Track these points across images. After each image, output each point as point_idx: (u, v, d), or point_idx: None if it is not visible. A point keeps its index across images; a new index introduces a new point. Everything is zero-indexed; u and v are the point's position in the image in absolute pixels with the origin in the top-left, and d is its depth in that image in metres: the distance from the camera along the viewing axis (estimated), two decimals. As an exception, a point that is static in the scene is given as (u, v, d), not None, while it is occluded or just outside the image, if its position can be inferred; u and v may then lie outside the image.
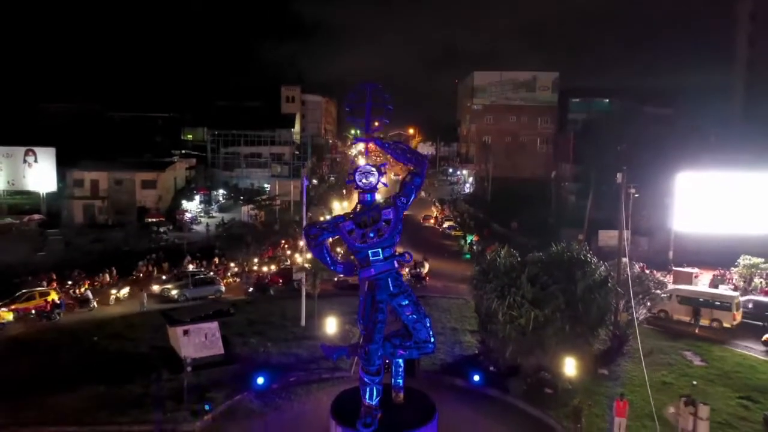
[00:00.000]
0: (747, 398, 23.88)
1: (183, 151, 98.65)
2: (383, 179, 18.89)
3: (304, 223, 34.79)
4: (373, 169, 18.82)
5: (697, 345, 30.43)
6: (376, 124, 21.22)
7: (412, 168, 19.22)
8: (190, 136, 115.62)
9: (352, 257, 19.67)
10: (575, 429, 20.91)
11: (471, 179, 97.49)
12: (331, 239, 19.06)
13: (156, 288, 40.44)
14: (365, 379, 17.99)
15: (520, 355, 24.91)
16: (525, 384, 24.31)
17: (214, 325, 27.09)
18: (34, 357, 27.75)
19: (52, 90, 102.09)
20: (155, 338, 29.30)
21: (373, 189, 18.50)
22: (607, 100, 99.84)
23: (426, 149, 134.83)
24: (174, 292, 39.23)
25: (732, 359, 28.22)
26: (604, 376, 26.21)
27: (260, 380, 23.98)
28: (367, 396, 18.03)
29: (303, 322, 32.04)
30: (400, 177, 22.63)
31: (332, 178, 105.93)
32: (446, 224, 70.96)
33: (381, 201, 18.89)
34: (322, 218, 67.49)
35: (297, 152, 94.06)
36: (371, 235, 17.93)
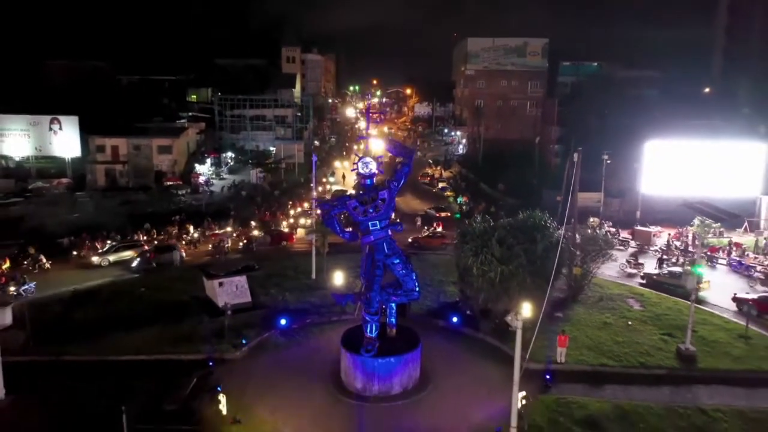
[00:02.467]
0: (668, 334, 30.17)
1: (190, 114, 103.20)
2: (380, 167, 24.66)
3: (313, 194, 40.60)
4: (372, 159, 24.63)
5: (640, 294, 36.68)
6: (376, 116, 27.22)
7: (402, 159, 24.96)
8: (195, 96, 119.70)
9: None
10: (523, 356, 27.26)
11: (464, 141, 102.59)
12: (339, 214, 25.05)
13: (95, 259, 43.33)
14: (367, 318, 24.30)
15: (490, 301, 31.06)
16: (493, 324, 30.56)
17: (243, 278, 33.24)
18: (96, 306, 33.94)
19: (55, 45, 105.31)
20: (192, 289, 35.34)
21: (372, 175, 24.39)
22: (596, 64, 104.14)
23: (423, 109, 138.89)
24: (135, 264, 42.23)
25: (665, 304, 34.42)
26: (559, 318, 32.43)
27: (283, 321, 30.21)
28: (368, 330, 24.42)
29: (314, 276, 38.18)
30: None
31: (333, 139, 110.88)
32: (440, 185, 76.64)
33: (378, 184, 24.72)
34: (325, 179, 73.39)
35: (299, 114, 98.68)
36: (371, 210, 23.94)
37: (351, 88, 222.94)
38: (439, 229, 51.76)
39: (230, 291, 32.44)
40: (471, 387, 24.67)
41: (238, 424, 21.71)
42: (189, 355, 27.26)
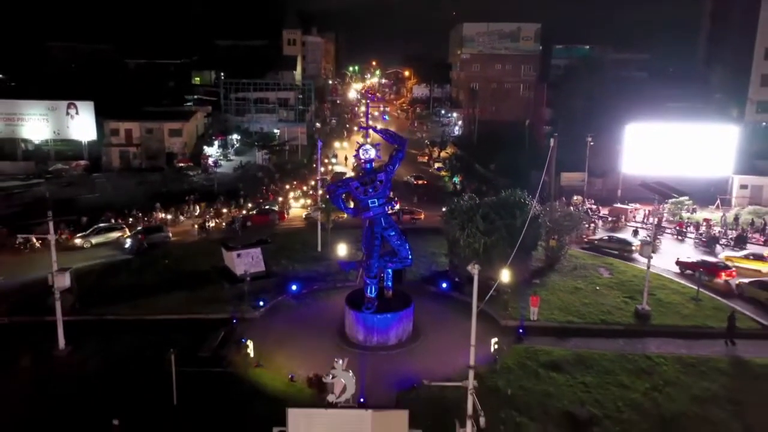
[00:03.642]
0: (630, 297, 34.65)
1: (196, 97, 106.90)
2: (378, 153, 28.92)
3: (318, 177, 45.10)
4: (371, 147, 28.89)
5: (610, 263, 41.12)
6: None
7: (396, 146, 29.19)
8: (198, 78, 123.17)
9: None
10: (504, 315, 31.81)
11: (460, 122, 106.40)
12: (344, 193, 29.39)
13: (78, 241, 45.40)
14: (367, 281, 28.75)
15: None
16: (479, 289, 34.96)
17: (257, 250, 37.64)
18: (127, 275, 38.42)
19: (60, 29, 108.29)
20: (211, 260, 39.73)
21: (371, 160, 28.66)
22: (588, 47, 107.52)
23: (421, 90, 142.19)
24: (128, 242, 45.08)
25: (631, 273, 38.85)
26: (536, 284, 36.88)
27: (294, 287, 34.58)
28: (368, 291, 28.86)
29: (319, 249, 42.57)
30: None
31: (333, 121, 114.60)
32: (436, 165, 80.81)
33: (376, 167, 28.97)
34: (326, 160, 77.43)
35: (300, 96, 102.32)
36: (370, 190, 28.25)
37: (350, 68, 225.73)
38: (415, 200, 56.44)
39: (247, 261, 36.82)
40: (455, 339, 29.02)
41: (261, 367, 26.25)
42: (215, 315, 31.75)
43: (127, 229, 47.43)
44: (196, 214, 53.86)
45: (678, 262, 39.57)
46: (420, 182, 63.41)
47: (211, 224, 50.48)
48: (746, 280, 36.02)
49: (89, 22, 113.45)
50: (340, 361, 17.91)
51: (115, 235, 46.60)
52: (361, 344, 28.51)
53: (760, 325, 31.52)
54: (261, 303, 32.94)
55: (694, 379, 25.83)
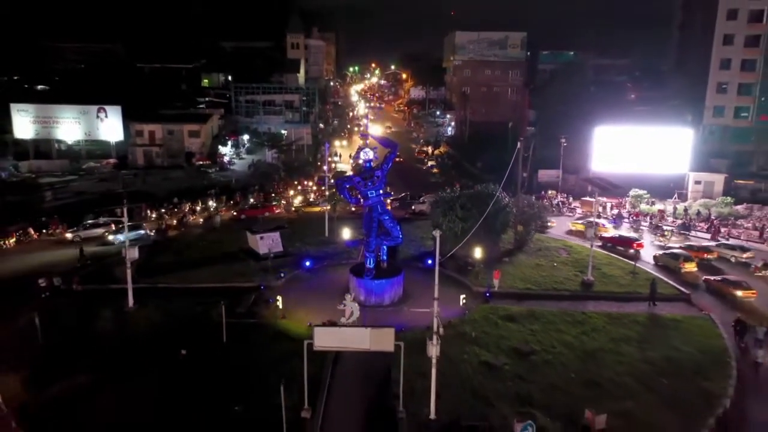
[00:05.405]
0: (580, 271, 42.68)
1: (207, 99, 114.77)
2: (376, 154, 37.03)
3: (326, 174, 53.34)
4: (369, 149, 36.98)
5: (570, 245, 49.24)
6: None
7: (389, 149, 37.30)
8: (207, 81, 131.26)
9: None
10: (475, 283, 39.95)
11: (453, 123, 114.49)
12: (348, 186, 37.53)
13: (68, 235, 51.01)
14: (366, 254, 36.90)
15: (453, 248, 43.54)
16: (456, 264, 43.05)
17: (277, 234, 45.77)
18: (173, 253, 46.55)
19: (56, 27, 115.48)
20: (237, 243, 47.83)
21: (369, 160, 36.74)
22: (572, 53, 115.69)
23: (417, 92, 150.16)
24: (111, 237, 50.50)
25: (585, 253, 46.78)
26: (506, 261, 44.96)
27: (307, 263, 42.69)
28: (367, 263, 37.00)
29: (327, 234, 50.66)
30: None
31: (335, 122, 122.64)
32: (429, 163, 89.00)
33: (374, 166, 37.04)
34: (330, 159, 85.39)
35: (305, 98, 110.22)
36: (369, 183, 36.28)
37: (351, 69, 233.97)
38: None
39: (268, 243, 44.92)
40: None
41: (285, 319, 34.34)
42: (246, 283, 39.87)
43: (112, 225, 51.79)
44: (216, 207, 61.84)
45: (601, 238, 48.19)
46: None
47: (189, 219, 56.49)
48: (659, 252, 44.97)
49: (98, 25, 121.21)
50: (349, 296, 25.89)
51: (101, 231, 51.47)
52: (362, 304, 36.32)
53: (678, 291, 39.72)
54: (282, 274, 41.07)
55: (615, 328, 33.96)
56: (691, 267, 43.14)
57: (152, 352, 30.53)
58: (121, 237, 46.59)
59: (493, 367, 29.23)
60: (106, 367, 29.26)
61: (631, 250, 46.37)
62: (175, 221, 55.98)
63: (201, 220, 57.90)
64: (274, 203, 62.87)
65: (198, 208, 60.38)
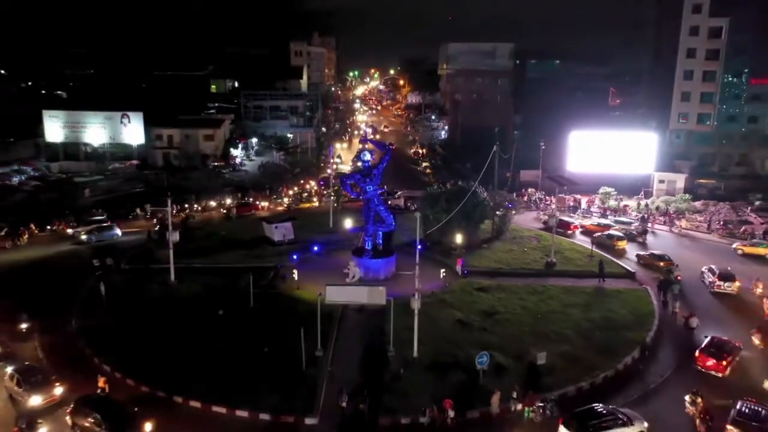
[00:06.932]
0: (546, 255, 50.54)
1: (217, 104, 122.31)
2: (374, 156, 44.99)
3: (330, 174, 61.25)
4: (368, 152, 44.96)
5: (541, 235, 57.21)
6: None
7: (385, 152, 45.29)
8: (214, 87, 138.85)
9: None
10: (456, 264, 47.89)
11: (446, 127, 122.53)
12: (350, 182, 45.51)
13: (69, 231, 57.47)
14: (365, 238, 44.90)
15: (440, 236, 51.52)
16: (441, 249, 50.93)
17: (289, 224, 53.74)
18: (198, 240, 54.46)
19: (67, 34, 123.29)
20: (253, 232, 55.72)
21: (367, 161, 44.73)
22: (558, 61, 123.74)
23: (414, 98, 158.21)
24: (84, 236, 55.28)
25: (556, 241, 54.84)
26: (484, 247, 52.90)
27: (315, 248, 50.55)
28: (366, 245, 44.92)
29: (331, 225, 58.56)
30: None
31: (337, 126, 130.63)
32: (423, 164, 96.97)
33: (371, 165, 44.97)
34: (331, 160, 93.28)
35: (308, 103, 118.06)
36: (368, 180, 44.20)
37: (351, 73, 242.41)
38: None
39: (282, 231, 52.86)
40: (423, 277, 44.99)
41: (300, 289, 42.21)
42: (265, 264, 47.78)
43: (110, 223, 58.11)
44: (230, 203, 69.68)
45: (557, 224, 56.39)
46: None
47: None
48: (598, 234, 54.72)
49: (108, 32, 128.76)
50: (352, 261, 33.77)
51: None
52: (361, 278, 44.48)
53: (625, 270, 47.74)
54: (295, 257, 48.89)
55: (567, 296, 41.94)
56: (622, 244, 54.12)
57: (196, 313, 38.42)
58: (93, 237, 54.69)
59: (465, 323, 37.16)
60: (162, 321, 37.13)
61: (569, 231, 57.49)
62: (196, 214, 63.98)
63: (222, 211, 65.91)
64: (257, 202, 70.22)
65: (215, 204, 68.29)
